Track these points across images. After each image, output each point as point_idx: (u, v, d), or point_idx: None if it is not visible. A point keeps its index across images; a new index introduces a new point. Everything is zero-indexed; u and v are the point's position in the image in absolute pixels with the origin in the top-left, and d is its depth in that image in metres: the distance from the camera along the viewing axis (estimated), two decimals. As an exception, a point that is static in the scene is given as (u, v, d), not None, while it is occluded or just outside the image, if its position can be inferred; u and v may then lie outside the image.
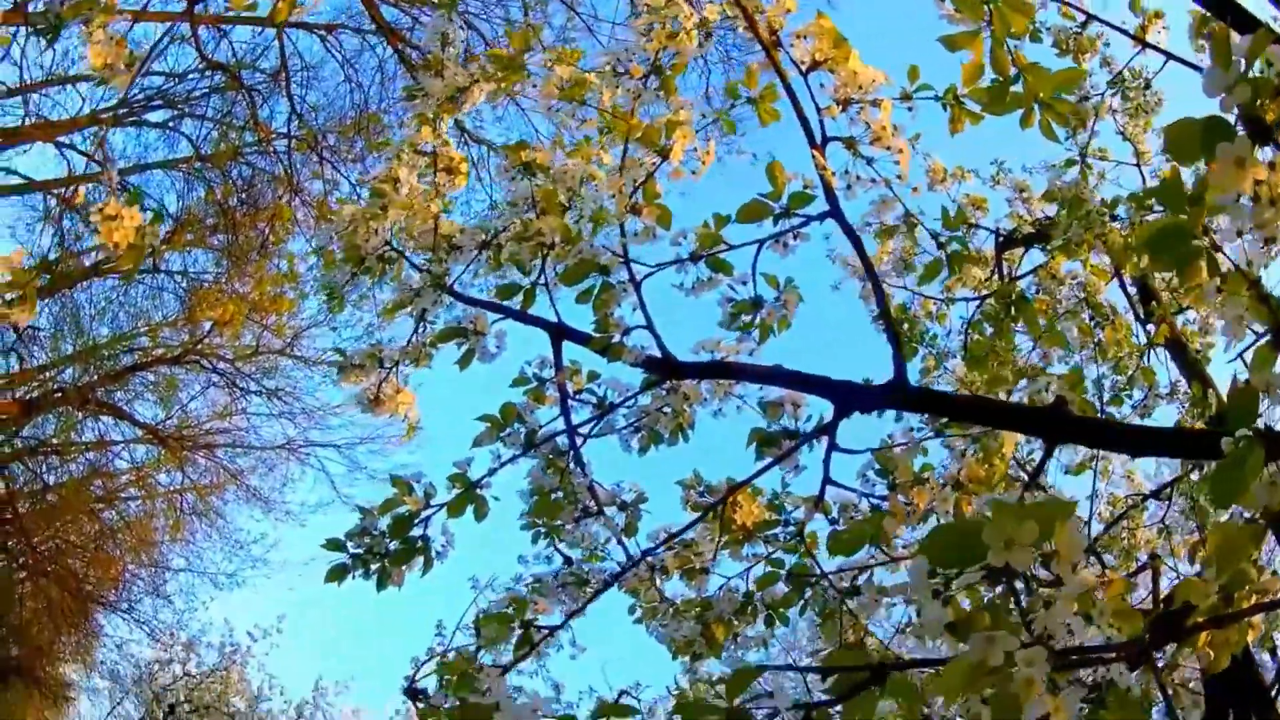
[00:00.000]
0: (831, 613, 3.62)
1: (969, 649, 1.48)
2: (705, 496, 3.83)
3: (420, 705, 9.70)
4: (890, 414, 3.65)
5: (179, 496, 18.20)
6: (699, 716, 1.89)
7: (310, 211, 14.42)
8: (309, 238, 14.15)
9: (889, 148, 3.51)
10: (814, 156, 3.44)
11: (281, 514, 18.94)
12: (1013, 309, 4.91)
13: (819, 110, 3.52)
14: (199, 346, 16.55)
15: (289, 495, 19.02)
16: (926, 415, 3.63)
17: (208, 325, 16.30)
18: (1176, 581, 3.98)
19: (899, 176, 3.55)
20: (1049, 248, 5.53)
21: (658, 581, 3.93)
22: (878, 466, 3.63)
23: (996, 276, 5.92)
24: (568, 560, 3.87)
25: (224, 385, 17.29)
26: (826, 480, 3.54)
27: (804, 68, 3.56)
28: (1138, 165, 6.22)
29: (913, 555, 1.48)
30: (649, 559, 3.84)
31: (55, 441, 17.37)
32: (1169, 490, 5.78)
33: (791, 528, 3.77)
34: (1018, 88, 3.23)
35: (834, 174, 3.44)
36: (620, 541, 3.79)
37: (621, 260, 3.63)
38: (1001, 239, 6.04)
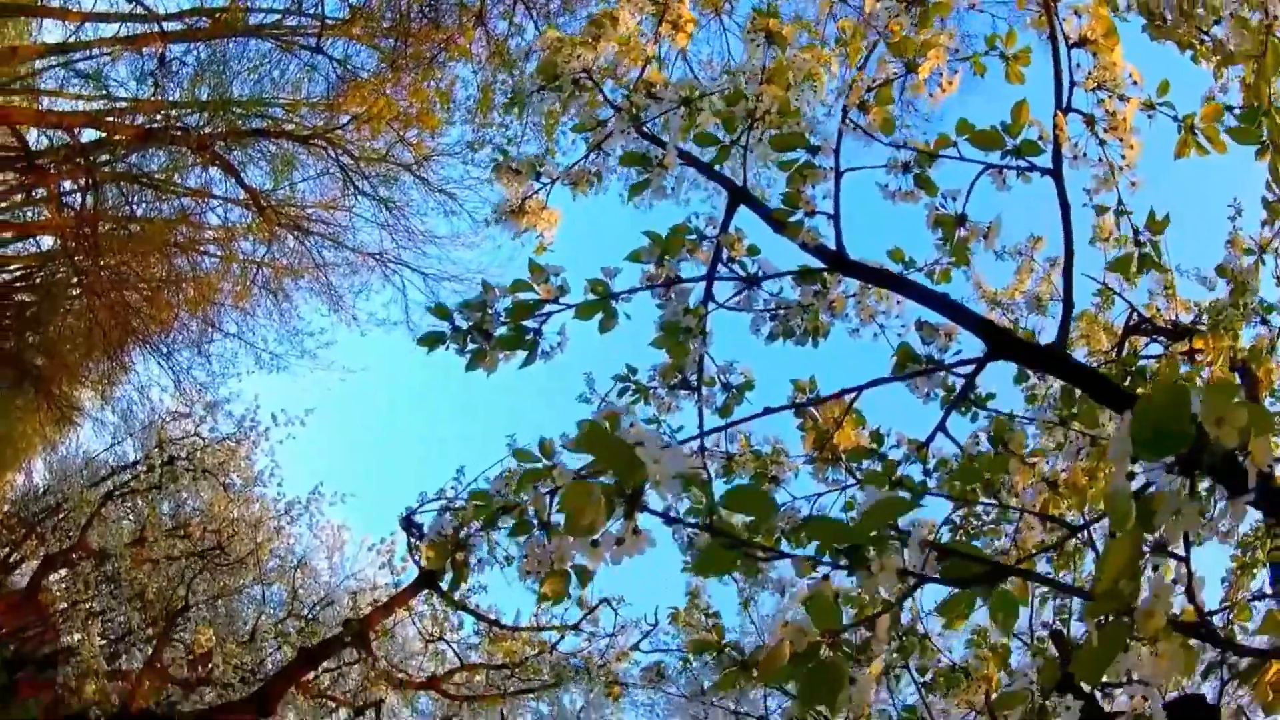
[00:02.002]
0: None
1: (1159, 516, 1.51)
2: (814, 403, 3.88)
3: (413, 539, 9.77)
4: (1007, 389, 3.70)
5: (255, 268, 18.29)
6: (831, 536, 1.90)
7: (486, 47, 14.37)
8: (477, 69, 14.21)
9: (1122, 139, 3.58)
10: (1056, 117, 3.49)
11: (348, 318, 19.03)
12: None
13: (1071, 82, 3.60)
14: (330, 134, 16.60)
15: (360, 303, 19.08)
16: (1060, 400, 3.67)
17: (346, 118, 16.35)
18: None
19: (1123, 167, 3.60)
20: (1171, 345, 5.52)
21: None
22: (990, 432, 3.67)
23: (1115, 352, 5.92)
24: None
25: (340, 178, 17.35)
26: (940, 427, 3.57)
27: (1070, 41, 3.63)
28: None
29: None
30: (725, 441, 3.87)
31: (158, 177, 17.48)
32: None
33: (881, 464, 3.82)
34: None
35: (1068, 139, 3.49)
36: (700, 416, 3.81)
37: (834, 148, 3.64)
38: (1133, 322, 6.04)
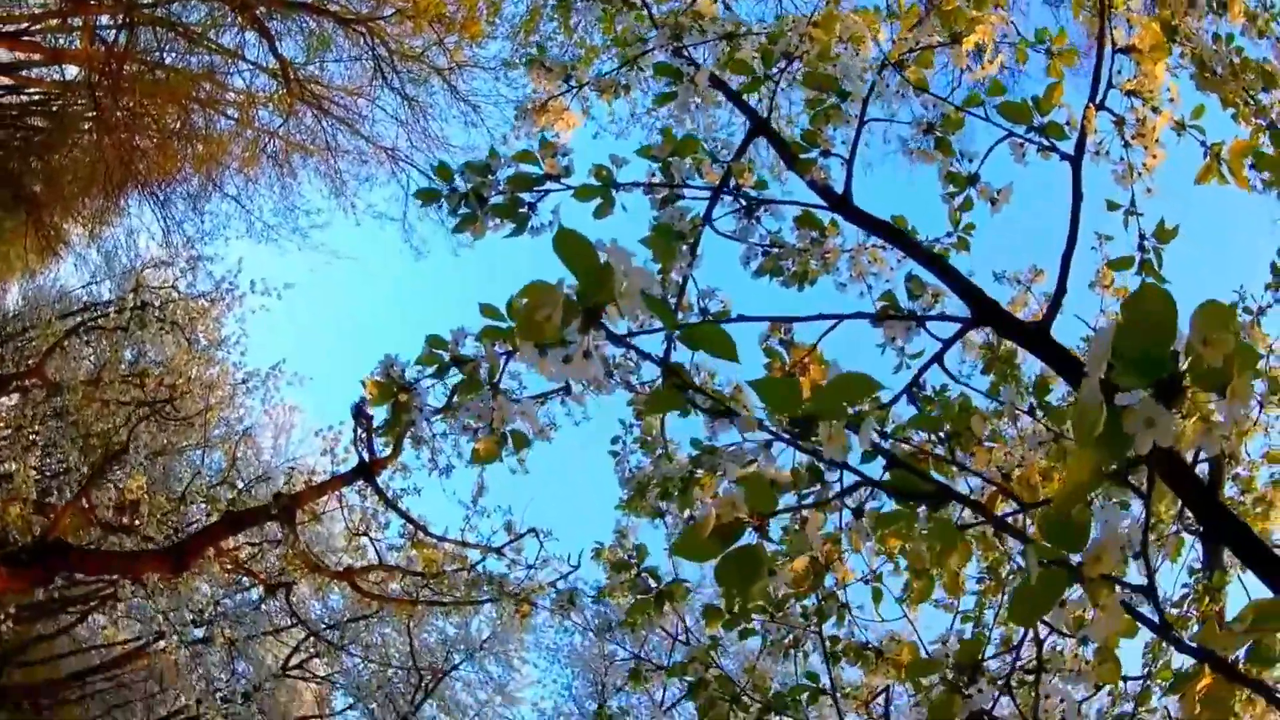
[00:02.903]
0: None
1: (1129, 423, 1.44)
2: (787, 342, 3.84)
3: (360, 428, 9.71)
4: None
5: (269, 138, 18.17)
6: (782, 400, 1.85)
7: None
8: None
9: (1146, 147, 3.57)
10: (1087, 109, 3.46)
11: (346, 204, 18.93)
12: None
13: (1109, 83, 3.58)
14: (372, 22, 16.49)
15: (362, 192, 18.98)
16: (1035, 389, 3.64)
17: (390, 10, 16.25)
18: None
19: (1142, 173, 3.59)
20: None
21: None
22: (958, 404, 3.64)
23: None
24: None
25: (370, 68, 17.24)
26: (909, 388, 3.53)
27: (1116, 45, 3.62)
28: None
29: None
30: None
31: (195, 29, 17.38)
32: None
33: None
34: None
35: (1095, 130, 3.46)
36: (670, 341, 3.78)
37: (862, 96, 3.61)
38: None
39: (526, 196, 3.60)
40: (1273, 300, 5.36)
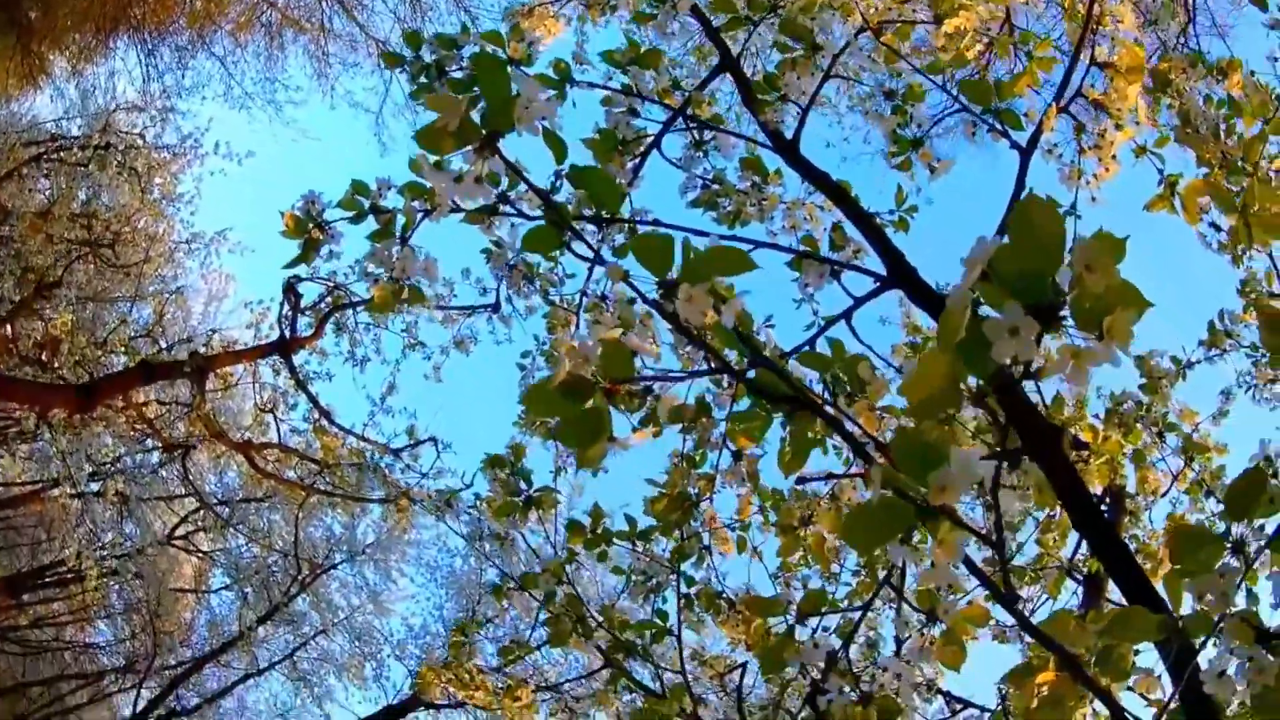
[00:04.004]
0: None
1: (991, 331, 1.37)
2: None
3: (288, 305, 9.65)
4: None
5: (267, 6, 17.94)
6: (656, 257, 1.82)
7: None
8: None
9: (1101, 159, 3.56)
10: (1050, 108, 3.44)
11: (327, 87, 18.78)
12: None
13: (1078, 91, 3.57)
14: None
15: (345, 79, 18.83)
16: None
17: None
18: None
19: (1091, 181, 3.59)
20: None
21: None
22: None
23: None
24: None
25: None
26: (809, 344, 3.51)
27: (1091, 60, 3.63)
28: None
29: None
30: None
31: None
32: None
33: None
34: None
35: (1052, 129, 3.45)
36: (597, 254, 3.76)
37: (833, 52, 3.59)
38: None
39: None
40: (1204, 357, 5.36)
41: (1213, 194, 3.52)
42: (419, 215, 2.83)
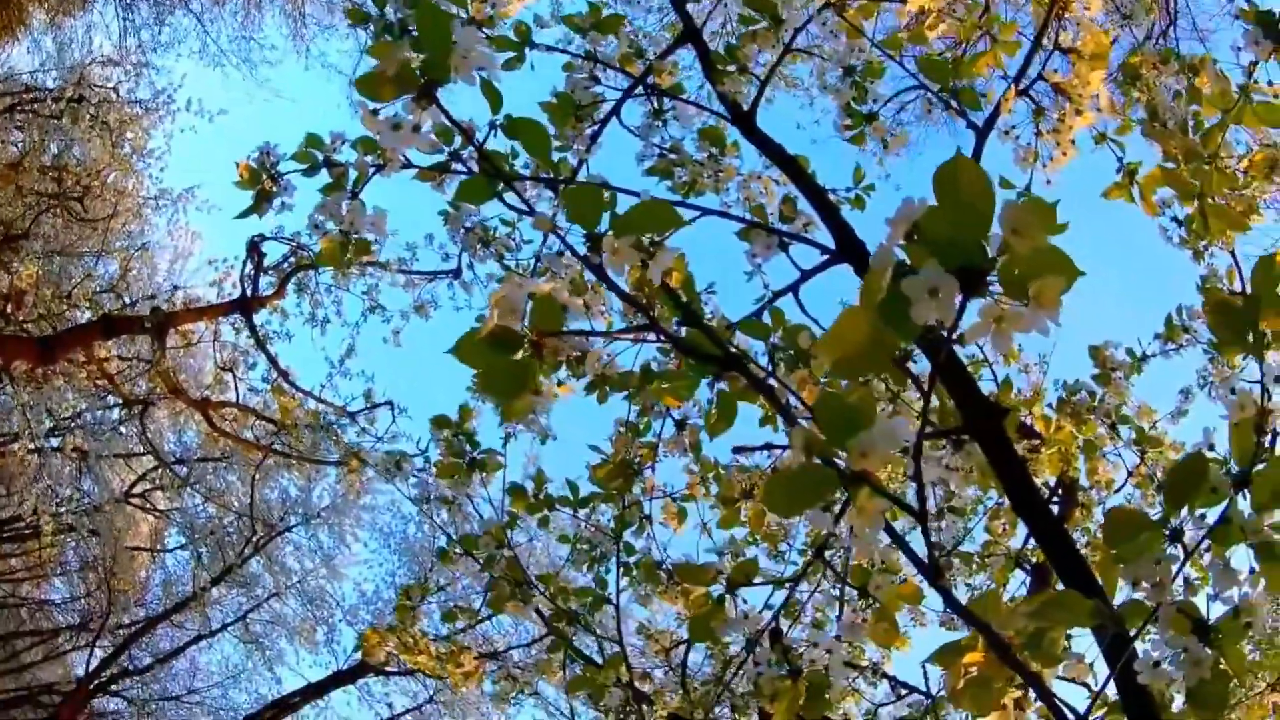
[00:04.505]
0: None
1: (910, 288, 1.34)
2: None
3: (251, 263, 9.61)
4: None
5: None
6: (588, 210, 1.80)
7: None
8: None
9: (1059, 144, 3.55)
10: (1010, 89, 3.43)
11: (302, 48, 18.68)
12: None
13: (1039, 75, 3.56)
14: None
15: (321, 41, 18.70)
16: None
17: None
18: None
19: (1047, 165, 3.58)
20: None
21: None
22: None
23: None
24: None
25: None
26: (756, 314, 3.49)
27: (1055, 46, 3.62)
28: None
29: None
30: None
31: None
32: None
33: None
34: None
35: (1010, 110, 3.43)
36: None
37: (795, 27, 3.58)
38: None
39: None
40: (1160, 351, 5.34)
41: (1171, 183, 3.51)
42: (371, 170, 2.82)
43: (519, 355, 1.78)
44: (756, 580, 2.73)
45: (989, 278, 1.30)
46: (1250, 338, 1.66)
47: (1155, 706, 1.80)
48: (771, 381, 2.87)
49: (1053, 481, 5.59)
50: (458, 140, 1.93)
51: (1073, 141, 3.61)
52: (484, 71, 1.74)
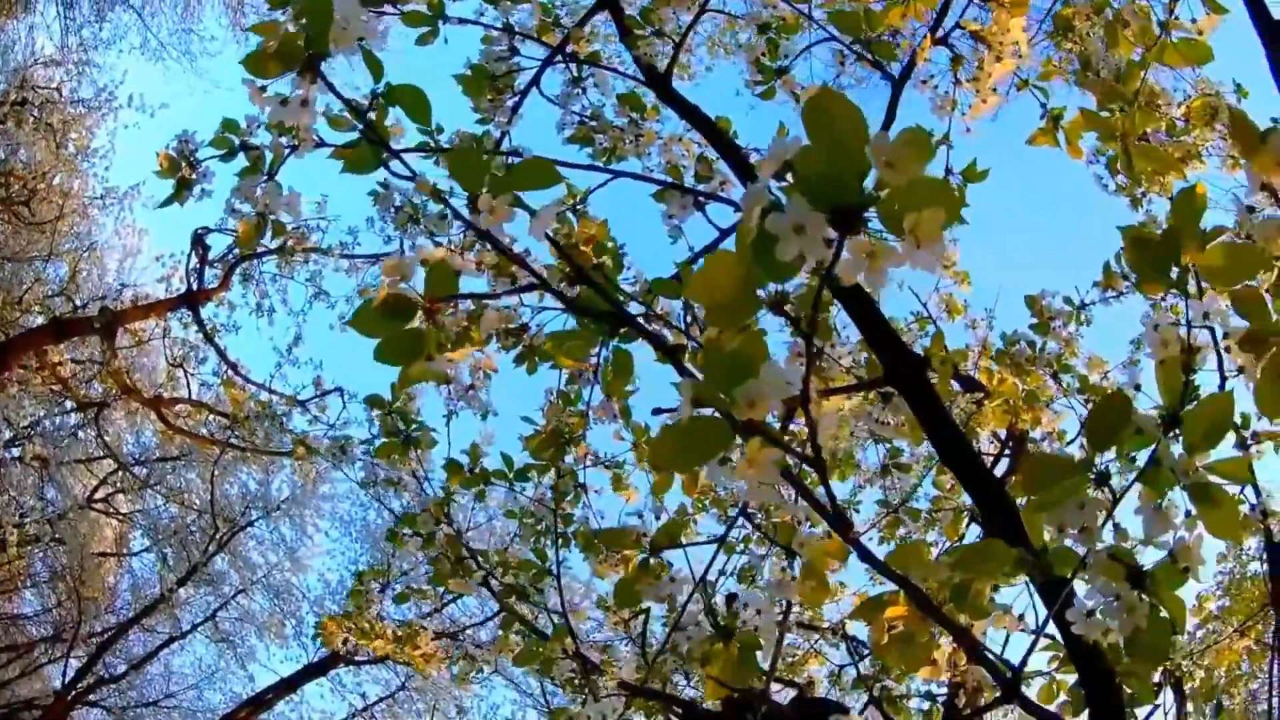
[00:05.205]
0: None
1: (774, 224, 1.29)
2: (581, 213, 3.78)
3: (196, 256, 9.60)
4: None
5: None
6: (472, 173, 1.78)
7: None
8: None
9: (979, 91, 3.54)
10: (928, 37, 3.42)
11: (243, 37, 18.58)
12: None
13: (957, 24, 3.55)
14: None
15: (258, 25, 18.59)
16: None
17: None
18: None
19: (967, 114, 3.57)
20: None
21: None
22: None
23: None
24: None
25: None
26: (675, 277, 3.47)
27: None
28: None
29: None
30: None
31: None
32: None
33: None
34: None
35: (927, 60, 3.43)
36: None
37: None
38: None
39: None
40: (1100, 298, 5.33)
41: (1092, 125, 3.50)
42: (286, 150, 2.80)
43: (413, 323, 1.77)
44: (684, 543, 2.70)
45: (868, 214, 1.28)
46: (1174, 274, 1.62)
47: (1101, 656, 1.76)
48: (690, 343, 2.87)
49: (1003, 435, 5.58)
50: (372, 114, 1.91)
51: (993, 89, 3.59)
52: (365, 41, 1.74)
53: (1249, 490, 5.47)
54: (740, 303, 1.38)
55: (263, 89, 1.81)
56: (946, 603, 1.83)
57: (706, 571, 2.74)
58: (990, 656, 1.82)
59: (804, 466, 1.47)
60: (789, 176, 1.27)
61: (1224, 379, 1.76)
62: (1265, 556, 5.48)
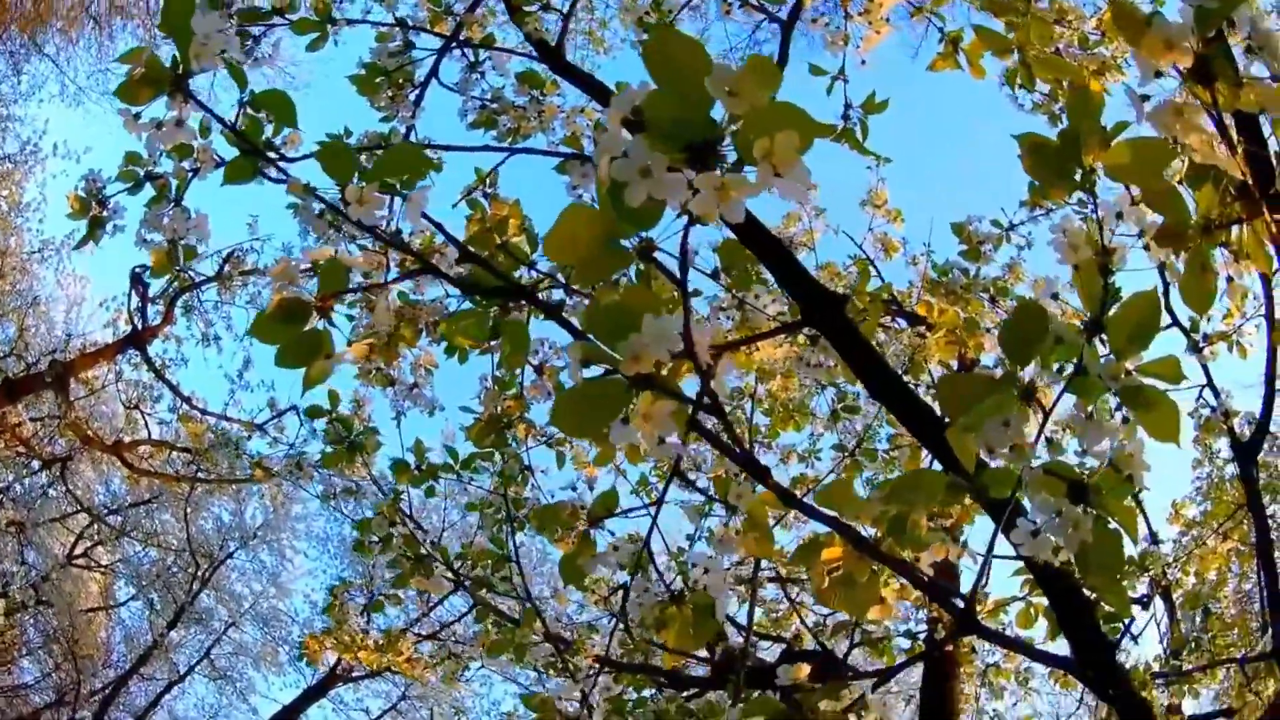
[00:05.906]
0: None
1: (620, 171, 1.28)
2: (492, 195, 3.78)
3: (137, 295, 9.56)
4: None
5: None
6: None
7: None
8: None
9: (871, 24, 3.54)
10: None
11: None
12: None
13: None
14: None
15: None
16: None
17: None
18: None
19: (861, 47, 3.58)
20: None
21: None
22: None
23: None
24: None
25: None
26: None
27: None
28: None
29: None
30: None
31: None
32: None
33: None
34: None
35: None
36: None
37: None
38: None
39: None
40: (1029, 218, 5.30)
41: (989, 43, 3.49)
42: (190, 174, 2.79)
43: (309, 324, 1.77)
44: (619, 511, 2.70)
45: (722, 148, 1.25)
46: (1078, 176, 1.58)
47: (1061, 575, 1.74)
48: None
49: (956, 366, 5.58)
50: (268, 130, 1.91)
51: (885, 19, 3.58)
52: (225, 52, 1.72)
53: (1208, 393, 5.53)
54: (603, 256, 1.38)
55: (137, 116, 1.81)
56: (884, 538, 1.80)
57: (649, 538, 2.73)
58: (938, 585, 1.80)
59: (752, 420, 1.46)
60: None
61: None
62: (1234, 458, 5.46)
